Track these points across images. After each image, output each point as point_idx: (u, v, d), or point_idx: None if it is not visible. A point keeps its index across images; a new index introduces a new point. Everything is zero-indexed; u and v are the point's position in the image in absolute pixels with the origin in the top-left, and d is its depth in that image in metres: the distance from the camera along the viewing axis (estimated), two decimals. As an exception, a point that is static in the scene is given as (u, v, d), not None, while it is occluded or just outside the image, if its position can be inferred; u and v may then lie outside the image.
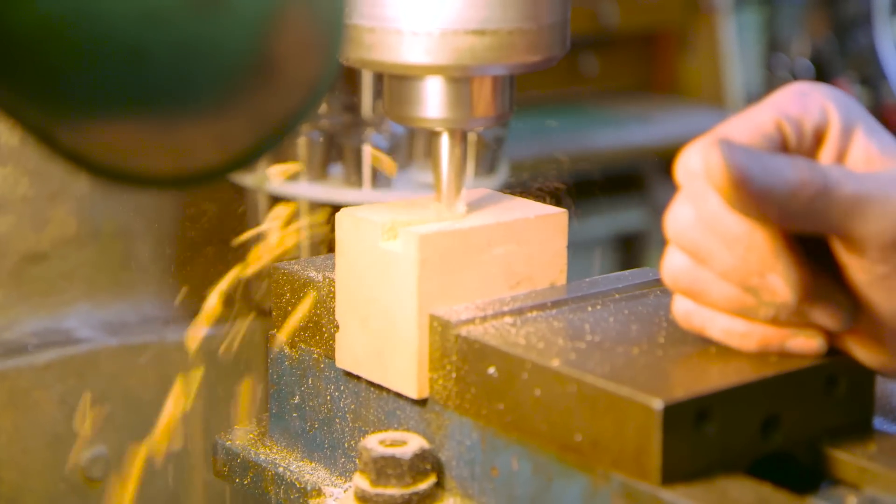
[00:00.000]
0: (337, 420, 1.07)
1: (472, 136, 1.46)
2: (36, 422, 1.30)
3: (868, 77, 3.70)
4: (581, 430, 0.88)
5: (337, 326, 1.04)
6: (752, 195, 0.83)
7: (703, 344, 0.93)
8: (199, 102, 0.72)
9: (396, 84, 1.01)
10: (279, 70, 0.73)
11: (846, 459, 0.90)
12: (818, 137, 0.89)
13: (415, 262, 0.98)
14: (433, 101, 1.00)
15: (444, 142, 1.02)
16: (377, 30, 0.97)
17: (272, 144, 0.76)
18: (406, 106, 1.01)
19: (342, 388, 1.06)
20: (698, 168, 0.87)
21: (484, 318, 0.98)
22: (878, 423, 0.96)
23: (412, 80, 1.00)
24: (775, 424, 0.89)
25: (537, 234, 1.04)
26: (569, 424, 0.89)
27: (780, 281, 0.87)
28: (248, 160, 0.76)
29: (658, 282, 1.06)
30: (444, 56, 0.97)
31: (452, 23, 0.96)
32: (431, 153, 1.03)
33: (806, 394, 0.90)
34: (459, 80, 0.99)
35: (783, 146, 0.89)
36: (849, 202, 0.84)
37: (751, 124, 0.89)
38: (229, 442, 1.13)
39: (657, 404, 0.84)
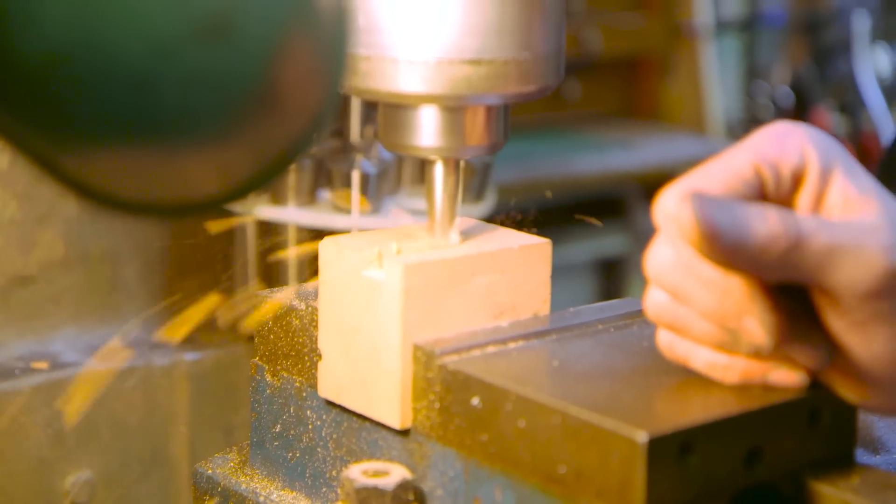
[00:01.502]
0: (319, 449, 1.06)
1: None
2: (22, 446, 1.30)
3: (847, 104, 3.72)
4: (565, 461, 0.88)
5: (320, 355, 1.04)
6: (722, 249, 0.84)
7: (687, 376, 0.93)
8: (203, 132, 0.72)
9: (391, 112, 1.02)
10: (282, 99, 0.73)
11: (829, 492, 0.90)
12: (796, 180, 0.90)
13: (399, 292, 0.98)
14: (427, 129, 1.00)
15: (438, 170, 1.02)
16: (373, 58, 0.97)
17: (274, 174, 0.76)
18: (400, 134, 1.01)
19: (324, 417, 1.06)
20: (673, 214, 0.88)
21: (468, 349, 0.98)
22: (859, 454, 0.96)
23: (407, 108, 1.00)
24: (758, 457, 0.89)
25: (521, 264, 1.04)
26: (552, 455, 0.89)
27: (756, 325, 0.87)
28: (249, 189, 0.76)
29: (641, 312, 1.06)
30: (440, 85, 0.97)
31: (448, 52, 0.96)
32: (425, 181, 1.03)
33: (789, 426, 0.90)
34: (454, 108, 0.99)
35: (761, 190, 0.89)
36: (822, 253, 0.85)
37: (728, 169, 0.89)
38: (210, 470, 1.12)
39: (641, 437, 0.84)
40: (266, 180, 0.76)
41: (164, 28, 0.68)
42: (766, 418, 0.89)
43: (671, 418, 0.87)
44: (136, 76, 0.68)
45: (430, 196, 1.03)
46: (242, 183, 0.76)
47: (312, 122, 0.76)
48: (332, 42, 0.74)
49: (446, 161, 1.02)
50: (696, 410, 0.88)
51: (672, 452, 0.85)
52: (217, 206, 0.76)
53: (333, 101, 0.76)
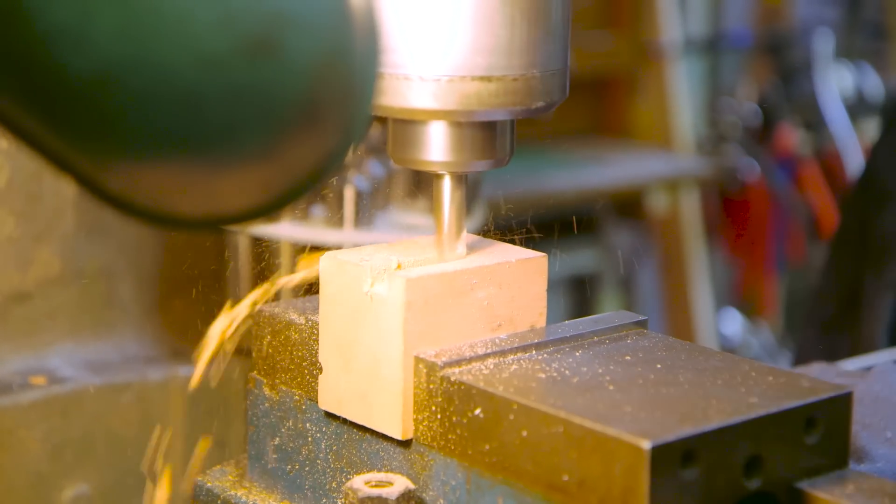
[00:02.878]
0: (318, 461, 1.08)
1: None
2: (19, 460, 1.30)
3: (813, 123, 3.77)
4: (568, 470, 0.90)
5: (320, 368, 1.05)
6: None
7: (685, 386, 0.95)
8: (245, 147, 0.73)
9: (400, 127, 1.04)
10: (320, 116, 0.75)
11: (825, 500, 0.92)
12: None
13: (401, 306, 0.99)
14: (437, 144, 1.02)
15: (447, 184, 1.04)
16: (386, 75, 0.99)
17: (308, 189, 0.78)
18: (410, 149, 1.03)
19: (324, 429, 1.07)
20: None
21: (469, 360, 0.99)
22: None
23: (417, 123, 1.02)
24: (758, 465, 0.91)
25: (518, 277, 1.06)
26: (555, 465, 0.91)
27: None
28: (285, 203, 0.77)
29: (635, 324, 1.08)
30: (451, 101, 0.99)
31: (459, 69, 0.98)
32: (433, 195, 1.05)
33: (786, 434, 0.92)
34: (463, 124, 1.01)
35: None
36: None
37: None
38: (209, 483, 1.13)
39: (645, 444, 0.86)
40: (301, 194, 0.78)
41: (213, 45, 0.69)
42: (765, 426, 0.91)
43: (673, 427, 0.88)
44: (184, 92, 0.70)
45: (437, 209, 1.05)
46: (279, 197, 0.77)
47: (346, 139, 0.77)
48: (366, 62, 0.76)
49: (454, 175, 1.04)
50: (697, 419, 0.90)
51: (675, 460, 0.87)
52: (254, 219, 0.78)
53: (365, 119, 0.78)
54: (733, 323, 3.68)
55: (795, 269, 3.76)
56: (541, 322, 1.07)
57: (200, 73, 0.69)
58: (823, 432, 0.94)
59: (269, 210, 0.78)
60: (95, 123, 0.70)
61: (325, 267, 1.05)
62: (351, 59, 0.75)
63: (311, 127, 0.75)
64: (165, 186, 0.74)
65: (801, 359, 1.93)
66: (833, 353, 1.69)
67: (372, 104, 0.78)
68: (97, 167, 0.73)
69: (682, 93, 3.53)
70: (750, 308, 3.73)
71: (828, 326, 2.09)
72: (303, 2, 0.73)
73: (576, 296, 3.24)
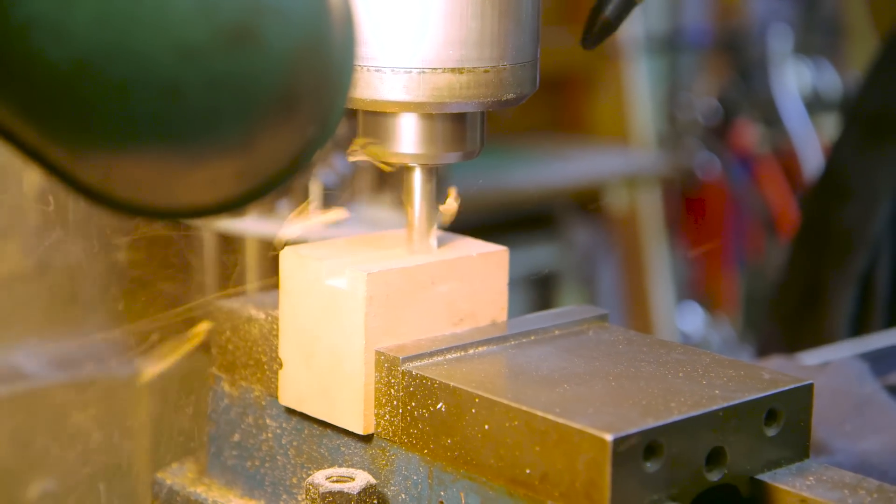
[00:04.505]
0: (279, 457, 1.07)
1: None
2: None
3: (770, 119, 3.79)
4: (530, 463, 0.90)
5: (281, 364, 1.05)
6: None
7: (647, 378, 0.95)
8: (224, 137, 0.73)
9: (371, 119, 1.03)
10: (298, 105, 0.75)
11: (786, 489, 0.93)
12: None
13: (362, 300, 0.99)
14: (407, 136, 1.02)
15: (418, 177, 1.04)
16: (358, 68, 0.99)
17: (285, 179, 0.77)
18: (380, 141, 1.03)
19: (284, 425, 1.06)
20: None
21: (430, 355, 0.99)
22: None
23: (387, 116, 1.02)
24: (719, 458, 0.91)
25: (479, 271, 1.06)
26: (518, 458, 0.90)
27: None
28: (261, 194, 0.77)
29: (596, 318, 1.08)
30: (423, 94, 0.99)
31: (430, 62, 0.98)
32: (404, 188, 1.05)
33: (748, 426, 0.93)
34: (433, 116, 1.01)
35: None
36: None
37: None
38: (169, 480, 1.12)
39: (608, 437, 0.86)
40: (278, 185, 0.77)
41: (191, 33, 0.69)
42: (726, 418, 0.91)
43: (636, 419, 0.88)
44: (163, 81, 0.69)
45: (408, 203, 1.05)
46: (258, 187, 0.77)
47: (323, 130, 0.77)
48: (342, 52, 0.76)
49: (425, 168, 1.04)
50: (659, 411, 0.90)
51: (637, 453, 0.87)
52: (231, 210, 0.77)
53: (341, 109, 0.78)
54: (694, 318, 3.70)
55: (754, 265, 3.78)
56: (502, 316, 1.07)
57: (179, 61, 0.69)
58: (784, 424, 0.94)
59: (246, 201, 0.77)
60: (72, 113, 0.69)
61: (285, 262, 1.04)
62: (328, 49, 0.75)
63: (288, 117, 0.75)
64: (142, 177, 0.74)
65: (762, 353, 1.94)
66: (795, 347, 1.70)
67: (348, 95, 0.78)
68: (73, 158, 0.72)
69: (641, 89, 3.54)
70: (710, 304, 3.75)
71: (790, 320, 2.10)
72: None
73: (536, 292, 3.25)
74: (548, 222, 3.33)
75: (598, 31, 1.06)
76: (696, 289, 3.78)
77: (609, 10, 1.06)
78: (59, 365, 1.28)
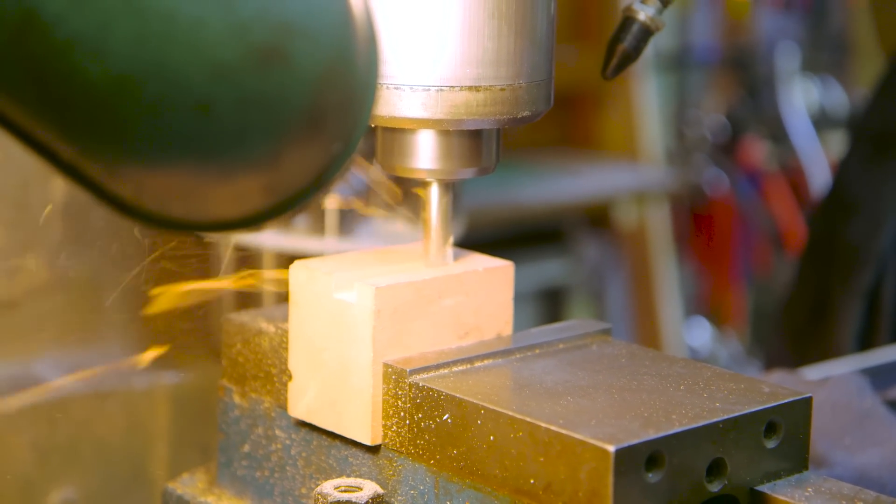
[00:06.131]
0: (288, 468, 1.09)
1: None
2: (7, 466, 1.32)
3: (777, 136, 3.80)
4: (534, 474, 0.92)
5: (290, 376, 1.07)
6: None
7: (649, 391, 0.97)
8: (253, 153, 0.75)
9: (389, 136, 1.06)
10: (324, 123, 0.77)
11: (785, 501, 0.94)
12: None
13: (370, 313, 1.01)
14: (425, 152, 1.05)
15: (434, 192, 1.06)
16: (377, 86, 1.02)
17: (312, 195, 0.79)
18: (398, 157, 1.06)
19: (293, 436, 1.08)
20: None
21: (436, 367, 1.01)
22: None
23: (405, 132, 1.04)
24: (720, 469, 0.93)
25: (485, 286, 1.08)
26: (522, 469, 0.92)
27: None
28: (288, 209, 0.79)
29: (600, 332, 1.10)
30: (440, 111, 1.01)
31: (448, 80, 1.01)
32: (421, 203, 1.07)
33: (748, 438, 0.94)
34: (451, 132, 1.04)
35: None
36: None
37: None
38: (179, 490, 1.14)
39: (610, 448, 0.87)
40: (305, 200, 0.80)
41: (224, 53, 0.71)
42: (726, 430, 0.93)
43: (638, 430, 0.90)
44: (196, 99, 0.71)
45: (425, 217, 1.07)
46: (283, 203, 0.79)
47: (348, 146, 0.79)
48: (367, 71, 0.78)
49: (441, 183, 1.06)
50: (661, 423, 0.92)
51: (639, 464, 0.89)
52: (258, 225, 0.79)
53: (364, 126, 0.80)
54: (702, 333, 3.71)
55: (761, 281, 3.79)
56: (507, 330, 1.09)
57: (211, 80, 0.71)
58: (783, 436, 0.96)
59: (273, 216, 0.80)
60: (108, 129, 0.71)
61: (295, 275, 1.06)
62: (353, 69, 0.77)
63: (314, 134, 0.77)
64: (173, 191, 0.76)
65: (769, 368, 1.95)
66: (802, 362, 1.71)
67: (371, 113, 0.80)
68: (107, 172, 0.74)
69: (650, 106, 3.56)
70: (717, 319, 3.76)
71: (797, 336, 2.12)
72: (310, 13, 0.75)
73: (545, 307, 3.26)
74: (557, 237, 3.35)
75: (618, 62, 1.09)
76: (704, 304, 3.79)
77: (627, 40, 1.09)
78: (81, 376, 1.31)
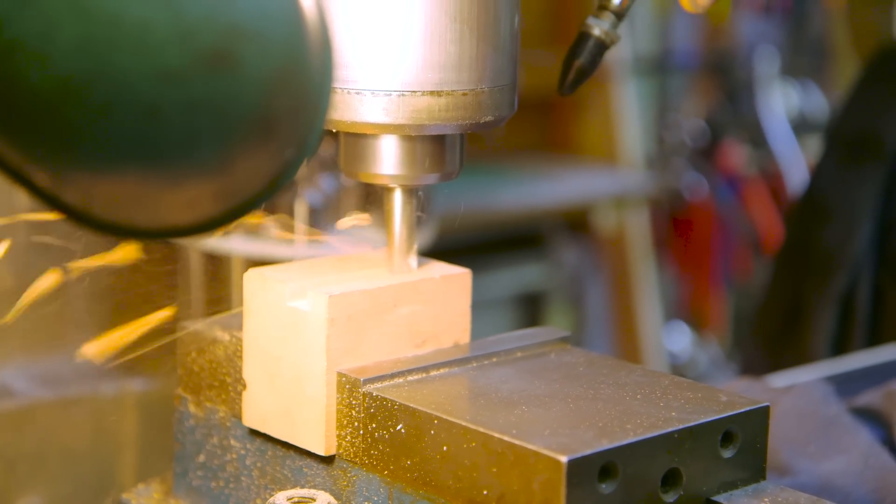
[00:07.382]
0: (243, 478, 1.07)
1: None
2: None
3: (757, 140, 3.80)
4: (488, 485, 0.90)
5: (244, 385, 1.05)
6: None
7: (605, 400, 0.96)
8: (202, 159, 0.74)
9: (352, 141, 1.05)
10: (275, 128, 0.76)
11: (742, 512, 0.93)
12: None
13: (323, 322, 1.00)
14: (387, 158, 1.04)
15: (398, 198, 1.05)
16: (338, 90, 1.00)
17: (262, 200, 0.79)
18: (361, 162, 1.04)
19: (248, 446, 1.07)
20: None
21: (391, 376, 1.00)
22: (767, 477, 0.99)
23: (368, 137, 1.03)
24: (675, 479, 0.92)
25: (442, 294, 1.06)
26: (476, 479, 0.91)
27: None
28: (239, 215, 0.78)
29: (558, 340, 1.08)
30: (402, 116, 1.00)
31: (410, 85, 1.00)
32: (384, 209, 1.06)
33: (704, 448, 0.93)
34: (413, 138, 1.02)
35: None
36: None
37: None
38: (134, 500, 1.13)
39: (563, 458, 0.86)
40: (258, 204, 0.79)
41: (171, 58, 0.70)
42: (681, 440, 0.92)
43: (591, 441, 0.89)
44: (143, 104, 0.70)
45: (388, 223, 1.06)
46: (236, 207, 0.78)
47: (300, 152, 0.78)
48: (319, 76, 0.77)
49: (405, 189, 1.05)
50: (614, 433, 0.90)
51: (592, 474, 0.87)
52: (208, 231, 0.78)
53: (319, 131, 0.79)
54: (681, 338, 3.70)
55: (741, 285, 3.78)
56: (465, 338, 1.08)
57: (159, 85, 0.70)
58: (740, 446, 0.95)
59: (225, 221, 0.79)
60: (54, 135, 0.70)
61: (249, 283, 1.05)
62: (306, 73, 0.76)
63: (266, 139, 0.76)
64: (122, 198, 0.75)
65: (746, 372, 1.95)
66: (777, 367, 1.70)
67: (325, 118, 0.79)
68: (56, 179, 0.73)
69: (629, 110, 3.55)
70: (697, 323, 3.75)
71: (772, 340, 2.11)
72: (259, 16, 0.74)
73: (524, 312, 3.25)
74: (536, 242, 3.34)
75: (575, 77, 1.09)
76: (684, 308, 3.78)
77: (583, 56, 1.08)
78: (47, 383, 1.30)
